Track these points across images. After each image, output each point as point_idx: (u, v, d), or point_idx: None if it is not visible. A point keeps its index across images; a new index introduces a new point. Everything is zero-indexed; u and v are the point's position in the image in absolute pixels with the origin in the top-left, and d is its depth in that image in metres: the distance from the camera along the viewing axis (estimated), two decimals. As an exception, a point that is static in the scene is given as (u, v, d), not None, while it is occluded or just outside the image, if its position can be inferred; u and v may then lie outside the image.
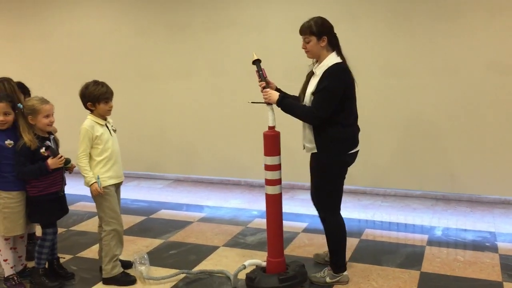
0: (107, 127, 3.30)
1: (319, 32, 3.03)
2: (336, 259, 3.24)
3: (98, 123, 3.24)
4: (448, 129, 4.77)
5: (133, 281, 3.29)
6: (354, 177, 5.19)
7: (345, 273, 3.26)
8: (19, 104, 3.15)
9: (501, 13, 4.45)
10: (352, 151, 3.13)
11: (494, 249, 3.77)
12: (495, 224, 4.30)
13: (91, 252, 3.87)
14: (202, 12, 5.53)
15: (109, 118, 3.35)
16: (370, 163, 5.03)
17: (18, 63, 6.36)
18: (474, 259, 3.58)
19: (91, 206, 5.03)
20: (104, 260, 3.29)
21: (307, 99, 3.10)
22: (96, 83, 3.25)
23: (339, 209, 3.25)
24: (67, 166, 3.25)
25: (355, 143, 3.15)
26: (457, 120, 4.73)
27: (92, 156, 3.23)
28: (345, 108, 3.06)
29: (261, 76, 3.19)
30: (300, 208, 4.82)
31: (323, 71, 3.03)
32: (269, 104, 3.15)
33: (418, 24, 4.71)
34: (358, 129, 3.20)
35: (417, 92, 4.80)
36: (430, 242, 3.92)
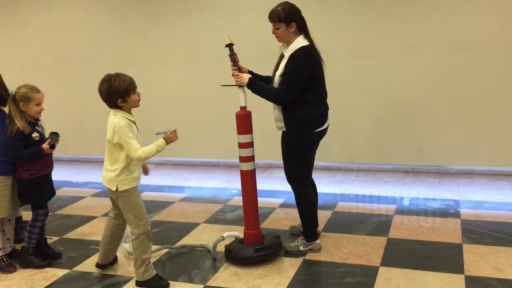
0: (135, 123, 3.04)
1: (288, 19, 3.16)
2: (308, 229, 3.47)
3: (130, 120, 2.98)
4: (415, 106, 5.00)
5: (166, 285, 3.10)
6: (328, 154, 5.43)
7: (317, 241, 3.49)
8: (11, 90, 3.28)
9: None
10: (320, 129, 3.32)
11: (456, 215, 4.04)
12: (459, 193, 4.58)
13: (77, 233, 4.04)
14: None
15: (132, 112, 3.06)
16: (343, 141, 5.26)
17: (-5, 53, 6.41)
18: (438, 225, 3.85)
19: (74, 191, 5.22)
20: (135, 263, 3.10)
21: (276, 80, 3.28)
22: (116, 75, 2.91)
23: (308, 183, 3.46)
24: (57, 139, 3.36)
25: (323, 121, 3.33)
26: (423, 96, 4.95)
27: (119, 159, 3.00)
28: (313, 89, 3.23)
29: (233, 60, 3.35)
30: (277, 185, 5.03)
31: (290, 54, 3.19)
32: (240, 86, 3.32)
33: (384, 6, 4.90)
34: (326, 108, 3.38)
35: (385, 71, 5.01)
36: (398, 211, 4.18)
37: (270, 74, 3.45)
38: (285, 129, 3.31)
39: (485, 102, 4.76)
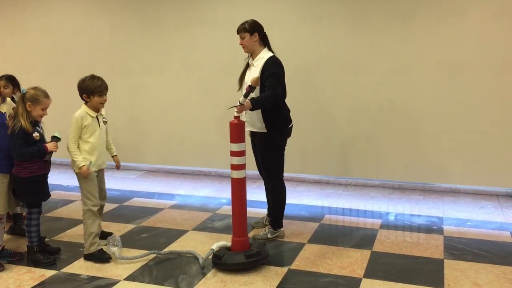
0: (97, 118, 3.59)
1: (251, 30, 3.72)
2: (276, 217, 3.93)
3: (89, 114, 3.54)
4: (403, 123, 5.12)
5: (107, 259, 3.58)
6: (318, 167, 5.54)
7: (282, 229, 3.95)
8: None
9: (449, 16, 4.82)
10: (291, 125, 3.86)
11: (440, 231, 4.13)
12: (443, 210, 4.68)
13: (66, 236, 4.08)
14: (174, 10, 5.76)
15: (102, 110, 3.64)
16: (333, 155, 5.36)
17: (-8, 55, 6.47)
18: (421, 240, 3.94)
19: (65, 195, 5.26)
20: (84, 237, 3.63)
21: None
22: (92, 77, 3.54)
23: (283, 175, 3.91)
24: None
25: (290, 119, 3.87)
26: (411, 114, 5.07)
27: (79, 142, 3.53)
28: (284, 90, 3.74)
29: (247, 95, 3.44)
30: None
31: (264, 62, 3.67)
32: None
33: (375, 25, 5.04)
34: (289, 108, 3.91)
35: (374, 88, 5.13)
36: (383, 226, 4.26)
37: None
38: (265, 130, 3.71)
39: (472, 122, 4.89)
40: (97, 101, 3.54)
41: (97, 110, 3.58)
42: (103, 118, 3.67)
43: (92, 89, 3.50)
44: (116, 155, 3.90)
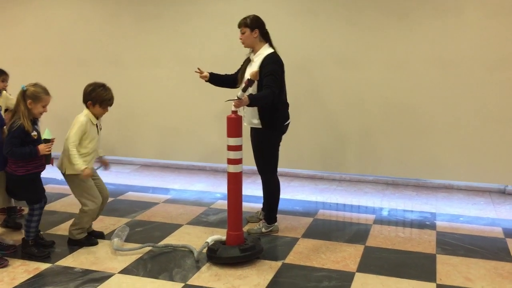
0: (97, 126, 3.67)
1: (252, 25, 3.71)
2: (270, 212, 3.97)
3: (92, 121, 3.60)
4: (397, 119, 5.14)
5: (94, 243, 3.74)
6: (312, 163, 5.56)
7: (276, 223, 4.00)
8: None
9: (444, 13, 4.84)
10: (287, 123, 3.86)
11: (432, 227, 4.17)
12: (436, 206, 4.72)
13: (60, 230, 4.08)
14: (170, 4, 5.73)
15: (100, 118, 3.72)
16: (327, 150, 5.38)
17: (-14, 48, 6.42)
18: (414, 236, 3.98)
19: (59, 188, 5.24)
20: (73, 227, 3.73)
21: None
22: (104, 87, 3.59)
23: (276, 170, 3.95)
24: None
25: (288, 116, 3.88)
26: (406, 110, 5.10)
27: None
28: (282, 88, 3.74)
29: (245, 89, 3.46)
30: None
31: (262, 58, 3.67)
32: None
33: (371, 21, 5.05)
34: (288, 105, 3.90)
35: (369, 84, 5.15)
36: (376, 221, 4.30)
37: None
38: (260, 126, 3.74)
39: (466, 119, 4.93)
40: (100, 112, 3.60)
41: (97, 117, 3.64)
42: (100, 125, 3.72)
43: (102, 100, 3.55)
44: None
